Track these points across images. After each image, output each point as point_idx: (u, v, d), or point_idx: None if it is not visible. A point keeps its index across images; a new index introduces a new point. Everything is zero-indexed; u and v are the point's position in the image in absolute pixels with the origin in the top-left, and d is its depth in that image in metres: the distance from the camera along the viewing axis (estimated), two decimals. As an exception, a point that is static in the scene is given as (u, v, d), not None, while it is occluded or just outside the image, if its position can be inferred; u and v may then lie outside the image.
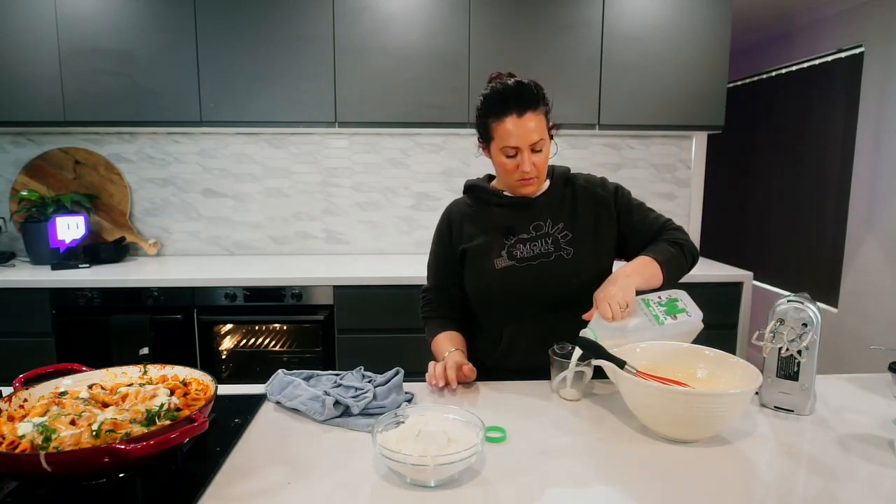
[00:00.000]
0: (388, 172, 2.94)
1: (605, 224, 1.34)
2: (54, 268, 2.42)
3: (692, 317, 1.18)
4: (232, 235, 2.94)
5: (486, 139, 1.31)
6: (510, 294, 1.28)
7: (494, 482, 0.84)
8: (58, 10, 2.39)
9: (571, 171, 1.42)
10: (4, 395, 0.92)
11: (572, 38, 2.53)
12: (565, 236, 1.31)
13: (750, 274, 2.46)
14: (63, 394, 0.93)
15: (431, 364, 1.25)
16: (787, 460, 0.91)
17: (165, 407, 0.87)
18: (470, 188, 1.42)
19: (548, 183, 1.37)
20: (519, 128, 1.22)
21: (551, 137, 1.31)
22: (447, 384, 1.18)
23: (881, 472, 0.88)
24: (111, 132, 2.81)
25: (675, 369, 1.10)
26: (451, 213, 1.42)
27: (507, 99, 1.23)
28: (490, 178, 1.44)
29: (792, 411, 1.09)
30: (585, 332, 1.13)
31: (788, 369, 1.09)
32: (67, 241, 2.56)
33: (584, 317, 1.17)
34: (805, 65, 3.41)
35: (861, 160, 2.99)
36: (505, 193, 1.36)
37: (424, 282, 2.33)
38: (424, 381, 1.24)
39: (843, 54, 3.10)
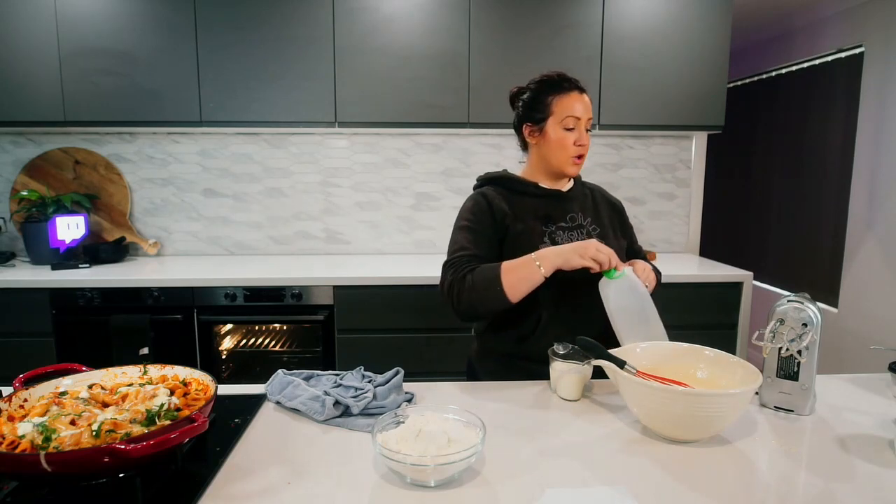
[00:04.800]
0: (388, 172, 2.94)
1: (620, 229, 1.47)
2: (54, 268, 2.42)
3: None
4: (232, 235, 2.94)
5: (539, 119, 1.36)
6: (553, 278, 1.23)
7: (494, 482, 0.84)
8: (58, 11, 2.39)
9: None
10: (4, 395, 0.92)
11: (572, 38, 2.53)
12: (594, 230, 1.39)
13: (750, 274, 2.46)
14: (63, 394, 0.93)
15: (586, 248, 1.19)
16: (787, 460, 0.91)
17: (165, 407, 0.87)
18: (497, 179, 1.44)
19: (572, 181, 1.45)
20: (580, 102, 1.33)
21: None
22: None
23: (881, 472, 0.88)
24: (111, 132, 2.81)
25: (675, 369, 1.10)
26: (485, 195, 1.39)
27: (569, 79, 1.36)
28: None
29: (792, 411, 1.09)
30: (608, 275, 1.21)
31: (788, 369, 1.09)
32: (67, 241, 2.56)
33: (613, 266, 1.20)
34: (805, 65, 3.41)
35: (861, 160, 2.99)
36: (542, 185, 1.41)
37: (424, 282, 2.35)
38: (424, 381, 1.24)
39: (843, 54, 3.10)
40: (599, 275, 1.24)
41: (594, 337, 1.12)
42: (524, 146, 1.47)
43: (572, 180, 1.45)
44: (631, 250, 1.50)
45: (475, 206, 1.38)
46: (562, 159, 1.35)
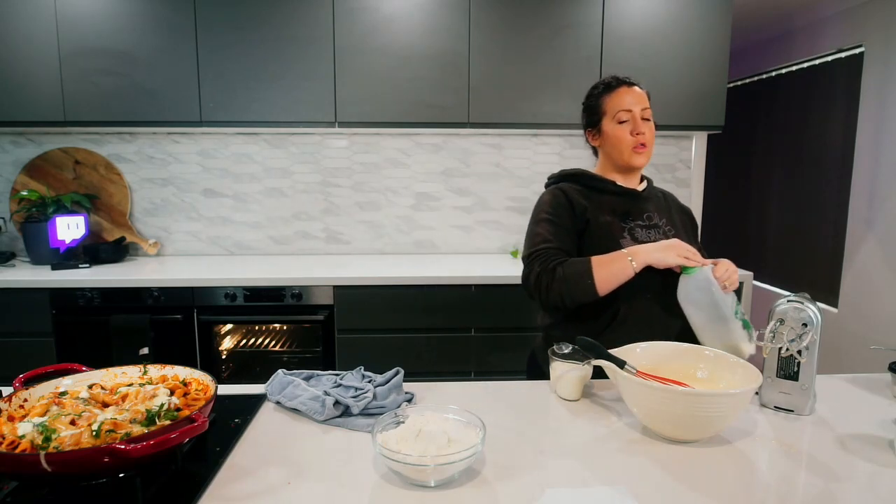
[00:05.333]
0: (388, 172, 2.94)
1: (692, 233, 1.49)
2: (54, 268, 2.42)
3: (748, 344, 1.21)
4: (232, 235, 2.94)
5: (595, 122, 1.43)
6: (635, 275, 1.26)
7: (494, 482, 0.84)
8: (58, 11, 2.39)
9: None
10: (4, 395, 0.92)
11: (572, 38, 2.53)
12: (670, 230, 1.41)
13: (750, 274, 2.46)
14: (63, 394, 0.93)
15: (679, 246, 1.23)
16: (787, 460, 0.91)
17: (165, 407, 0.87)
18: (573, 176, 1.46)
19: (645, 181, 1.48)
20: (629, 94, 1.37)
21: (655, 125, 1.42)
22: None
23: (881, 472, 0.88)
24: (111, 132, 2.81)
25: (675, 369, 1.10)
26: (563, 190, 1.42)
27: (617, 78, 1.41)
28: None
29: (792, 411, 1.09)
30: (688, 271, 1.22)
31: (788, 369, 1.09)
32: (67, 241, 2.56)
33: (702, 264, 1.21)
34: (805, 65, 3.41)
35: (861, 160, 2.99)
36: (619, 183, 1.42)
37: (424, 282, 2.35)
38: (424, 381, 1.24)
39: (843, 54, 3.10)
40: (677, 273, 1.26)
41: (673, 334, 1.15)
42: (595, 152, 1.52)
43: (645, 181, 1.48)
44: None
45: (554, 200, 1.40)
46: (623, 152, 1.38)
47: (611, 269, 1.23)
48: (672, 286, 1.26)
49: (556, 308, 1.34)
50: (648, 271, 1.25)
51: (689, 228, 1.50)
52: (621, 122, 1.37)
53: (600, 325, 1.31)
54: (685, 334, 1.26)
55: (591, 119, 1.44)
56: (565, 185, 1.44)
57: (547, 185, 1.51)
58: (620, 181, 1.43)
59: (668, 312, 1.29)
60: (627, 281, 1.25)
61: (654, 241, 1.33)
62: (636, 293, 1.29)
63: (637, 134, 1.36)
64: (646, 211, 1.41)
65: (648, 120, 1.37)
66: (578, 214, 1.36)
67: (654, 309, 1.31)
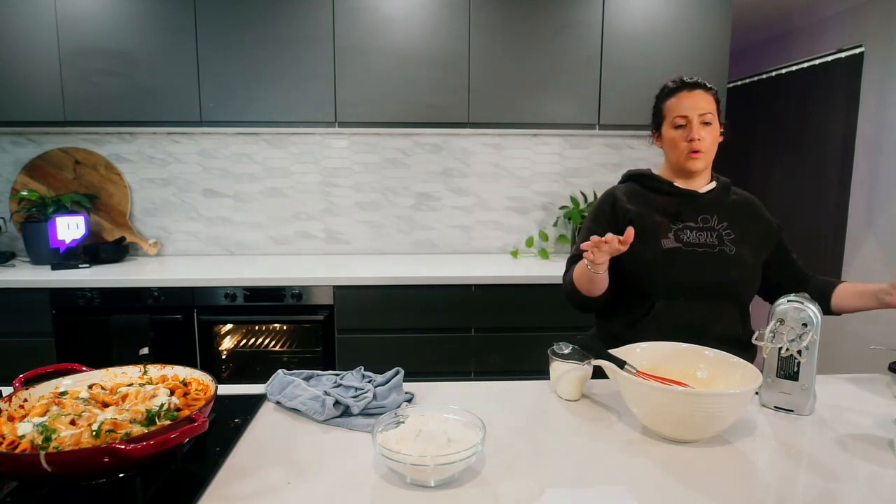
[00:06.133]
0: (388, 172, 2.94)
1: (766, 244, 1.43)
2: (54, 268, 2.42)
3: None
4: (232, 235, 2.94)
5: (657, 125, 1.46)
6: (671, 274, 1.33)
7: (494, 482, 0.84)
8: (58, 11, 2.39)
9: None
10: (4, 395, 0.92)
11: (572, 38, 2.53)
12: (728, 234, 1.39)
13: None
14: (63, 394, 0.93)
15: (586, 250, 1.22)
16: (787, 460, 0.91)
17: (165, 407, 0.87)
18: (636, 176, 1.50)
19: (714, 183, 1.46)
20: (688, 99, 1.37)
21: (722, 127, 1.42)
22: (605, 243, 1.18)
23: (881, 472, 0.88)
24: (111, 132, 2.81)
25: (675, 369, 1.10)
26: (615, 192, 1.48)
27: (679, 82, 1.42)
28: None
29: (792, 411, 1.09)
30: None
31: (788, 369, 1.09)
32: (67, 241, 2.56)
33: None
34: (805, 65, 3.41)
35: (861, 160, 2.99)
36: (677, 184, 1.43)
37: (424, 282, 2.35)
38: (424, 381, 1.24)
39: (843, 54, 3.10)
40: (715, 267, 1.30)
41: (710, 340, 1.15)
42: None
43: (714, 181, 1.46)
44: (789, 270, 1.46)
45: (601, 204, 1.49)
46: (678, 157, 1.40)
47: (579, 273, 1.33)
48: (706, 293, 1.31)
49: (579, 310, 1.43)
50: (683, 273, 1.31)
51: (766, 240, 1.43)
52: (677, 127, 1.39)
53: (636, 315, 1.37)
54: (725, 345, 1.17)
55: (654, 122, 1.48)
56: (623, 186, 1.50)
57: (619, 183, 1.56)
58: (680, 182, 1.44)
59: (704, 321, 1.30)
60: (659, 278, 1.32)
61: (703, 242, 1.36)
62: (671, 293, 1.33)
63: (691, 140, 1.36)
64: (702, 213, 1.40)
65: (709, 124, 1.37)
66: (620, 218, 1.43)
67: (688, 315, 1.31)
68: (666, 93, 1.44)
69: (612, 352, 1.08)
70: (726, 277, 1.32)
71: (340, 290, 2.34)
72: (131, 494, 0.77)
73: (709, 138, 1.37)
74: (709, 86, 1.40)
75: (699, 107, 1.36)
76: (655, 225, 1.39)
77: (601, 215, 1.47)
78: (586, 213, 2.77)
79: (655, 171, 1.50)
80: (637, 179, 1.50)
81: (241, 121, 2.51)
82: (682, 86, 1.40)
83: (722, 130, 1.43)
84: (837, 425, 1.04)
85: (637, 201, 1.44)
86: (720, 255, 1.35)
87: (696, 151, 1.37)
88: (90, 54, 2.42)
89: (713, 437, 0.98)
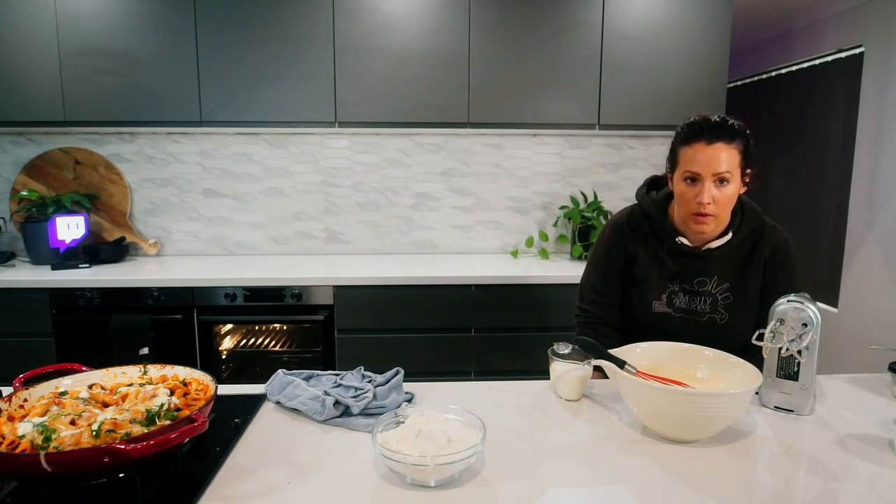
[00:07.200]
0: (388, 172, 2.94)
1: (758, 297, 1.31)
2: (54, 268, 2.42)
3: None
4: (232, 235, 2.94)
5: (671, 168, 1.30)
6: (658, 337, 1.23)
7: (494, 482, 0.84)
8: (58, 10, 2.39)
9: (764, 221, 1.33)
10: (4, 395, 0.92)
11: (572, 38, 2.53)
12: (726, 299, 1.31)
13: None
14: (63, 394, 0.93)
15: None
16: (787, 460, 0.91)
17: (165, 407, 0.87)
18: (651, 212, 1.36)
19: (728, 236, 1.29)
20: (704, 154, 1.20)
21: (745, 183, 1.25)
22: None
23: (881, 472, 0.88)
24: (111, 132, 2.81)
25: (675, 369, 1.10)
26: (623, 229, 1.40)
27: (701, 127, 1.22)
28: (669, 197, 1.36)
29: (792, 411, 1.09)
30: None
31: (788, 369, 1.09)
32: (67, 241, 2.56)
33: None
34: (805, 65, 3.41)
35: (861, 160, 2.99)
36: (680, 240, 1.31)
37: (424, 282, 2.35)
38: (424, 381, 1.24)
39: (843, 54, 3.10)
40: (702, 337, 1.21)
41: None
42: None
43: (731, 232, 1.29)
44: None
45: (611, 239, 1.41)
46: (685, 213, 1.27)
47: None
48: (701, 338, 1.21)
49: None
50: (670, 338, 1.22)
51: (776, 286, 1.27)
52: (688, 180, 1.23)
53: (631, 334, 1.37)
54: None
55: (670, 163, 1.31)
56: (635, 218, 1.39)
57: (637, 191, 1.43)
58: (686, 236, 1.31)
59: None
60: (648, 337, 1.23)
61: (694, 308, 1.31)
62: (657, 337, 1.25)
63: (698, 203, 1.20)
64: (700, 275, 1.30)
65: (726, 182, 1.20)
66: (629, 258, 1.38)
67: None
68: (682, 137, 1.26)
69: (612, 352, 1.08)
70: (712, 344, 1.17)
71: (340, 290, 2.34)
72: (131, 494, 0.77)
73: (723, 199, 1.21)
74: (735, 133, 1.20)
75: (715, 165, 1.18)
76: (652, 283, 1.34)
77: (613, 253, 1.39)
78: (586, 213, 2.77)
79: (669, 210, 1.36)
80: (650, 219, 1.37)
81: (241, 121, 2.51)
82: (701, 135, 1.21)
83: (746, 181, 1.25)
84: (837, 425, 1.04)
85: (641, 242, 1.36)
86: (708, 324, 1.31)
87: (703, 215, 1.22)
88: (90, 54, 2.42)
89: (713, 437, 0.98)
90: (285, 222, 2.95)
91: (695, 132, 1.22)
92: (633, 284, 1.38)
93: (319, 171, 2.92)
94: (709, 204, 1.20)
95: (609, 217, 1.49)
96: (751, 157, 1.25)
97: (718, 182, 1.20)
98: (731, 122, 1.22)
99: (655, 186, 1.44)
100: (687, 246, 1.31)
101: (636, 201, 1.43)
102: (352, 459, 0.90)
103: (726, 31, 2.56)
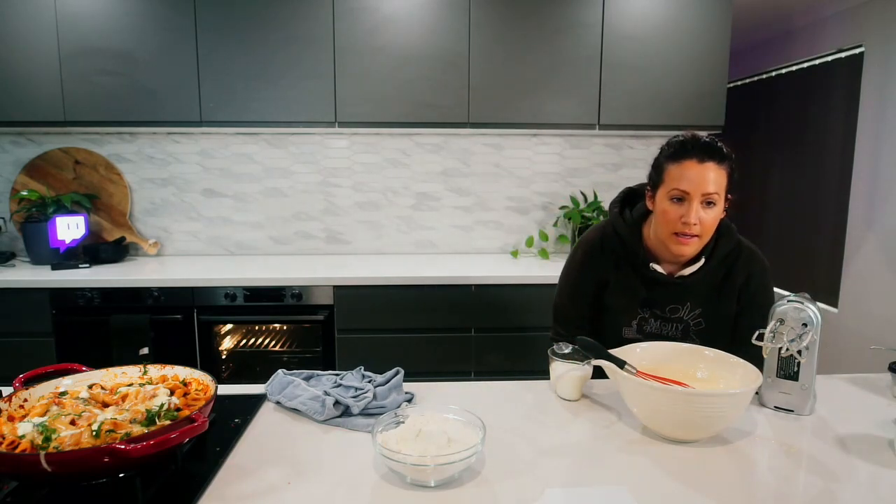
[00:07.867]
0: (388, 172, 2.94)
1: (733, 327, 1.31)
2: (54, 268, 2.42)
3: None
4: (232, 235, 2.94)
5: (654, 185, 1.25)
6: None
7: (494, 482, 0.84)
8: (58, 10, 2.39)
9: (740, 243, 1.32)
10: (4, 395, 0.92)
11: (572, 38, 2.53)
12: (698, 324, 1.30)
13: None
14: (63, 394, 0.93)
15: None
16: (787, 460, 0.91)
17: (165, 407, 0.87)
18: (624, 234, 1.32)
19: (701, 262, 1.27)
20: (694, 171, 1.16)
21: (725, 209, 1.23)
22: None
23: (881, 472, 0.88)
24: (111, 132, 2.81)
25: (675, 369, 1.10)
26: (594, 254, 1.36)
27: (693, 145, 1.19)
28: (644, 216, 1.32)
29: (792, 411, 1.09)
30: None
31: (788, 369, 1.09)
32: (67, 241, 2.56)
33: None
34: (805, 65, 3.41)
35: (861, 160, 2.99)
36: (654, 267, 1.27)
37: (424, 282, 2.35)
38: (424, 381, 1.24)
39: (843, 54, 3.10)
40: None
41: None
42: None
43: (703, 258, 1.26)
44: (742, 326, 1.28)
45: (583, 264, 1.37)
46: (663, 233, 1.23)
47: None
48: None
49: None
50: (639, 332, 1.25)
51: (747, 320, 1.26)
52: (674, 199, 1.19)
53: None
54: None
55: (653, 178, 1.27)
56: (608, 242, 1.34)
57: (610, 207, 1.40)
58: (665, 256, 1.27)
59: None
60: (619, 334, 1.28)
61: (664, 334, 1.30)
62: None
63: (683, 222, 1.17)
64: (672, 302, 1.28)
65: (713, 204, 1.17)
66: (600, 281, 1.35)
67: None
68: (671, 153, 1.22)
69: (612, 352, 1.08)
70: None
71: (340, 290, 2.34)
72: (131, 494, 0.77)
73: (708, 221, 1.18)
74: (724, 155, 1.19)
75: (705, 184, 1.15)
76: (623, 308, 1.33)
77: (583, 272, 1.36)
78: (586, 213, 2.77)
79: (644, 232, 1.32)
80: (626, 245, 1.32)
81: (241, 121, 2.51)
82: (693, 152, 1.17)
83: (727, 206, 1.23)
84: (837, 425, 1.04)
85: (613, 267, 1.33)
86: None
87: (687, 236, 1.18)
88: (90, 54, 2.42)
89: (713, 437, 0.98)
90: (285, 222, 2.95)
91: (686, 149, 1.19)
92: (604, 310, 1.36)
93: (319, 171, 2.92)
94: (695, 224, 1.17)
95: (587, 232, 1.43)
96: (734, 184, 1.24)
97: (706, 203, 1.18)
98: (720, 143, 1.21)
99: (631, 199, 1.40)
100: (661, 274, 1.28)
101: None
102: (352, 459, 0.90)
103: (726, 32, 2.56)
